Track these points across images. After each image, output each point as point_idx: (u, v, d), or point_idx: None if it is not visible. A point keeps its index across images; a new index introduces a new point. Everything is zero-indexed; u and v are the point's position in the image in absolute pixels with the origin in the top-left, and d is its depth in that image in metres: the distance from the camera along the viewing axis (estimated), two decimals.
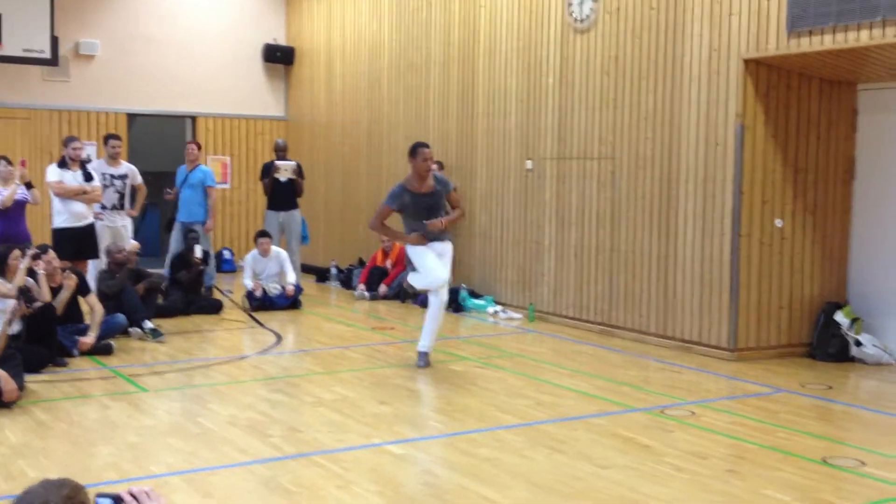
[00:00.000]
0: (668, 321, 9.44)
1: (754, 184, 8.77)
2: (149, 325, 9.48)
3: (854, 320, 8.86)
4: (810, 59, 8.34)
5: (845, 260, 9.34)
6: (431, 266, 8.18)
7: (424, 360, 8.33)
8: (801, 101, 8.97)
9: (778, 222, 8.92)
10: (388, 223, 8.42)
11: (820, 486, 5.27)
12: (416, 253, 8.24)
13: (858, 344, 8.77)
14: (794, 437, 6.27)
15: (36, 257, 8.26)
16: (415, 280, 8.48)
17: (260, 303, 11.43)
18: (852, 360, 8.79)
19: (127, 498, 2.41)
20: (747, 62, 8.61)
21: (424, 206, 8.17)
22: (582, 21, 10.30)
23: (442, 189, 8.28)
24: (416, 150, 8.25)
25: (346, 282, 13.77)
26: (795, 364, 8.72)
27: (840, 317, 8.86)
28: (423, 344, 8.38)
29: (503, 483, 5.27)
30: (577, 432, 6.31)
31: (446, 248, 8.36)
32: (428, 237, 8.20)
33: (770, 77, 8.76)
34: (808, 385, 7.88)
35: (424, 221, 8.12)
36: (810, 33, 7.99)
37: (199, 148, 12.78)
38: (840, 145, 9.20)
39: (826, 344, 8.88)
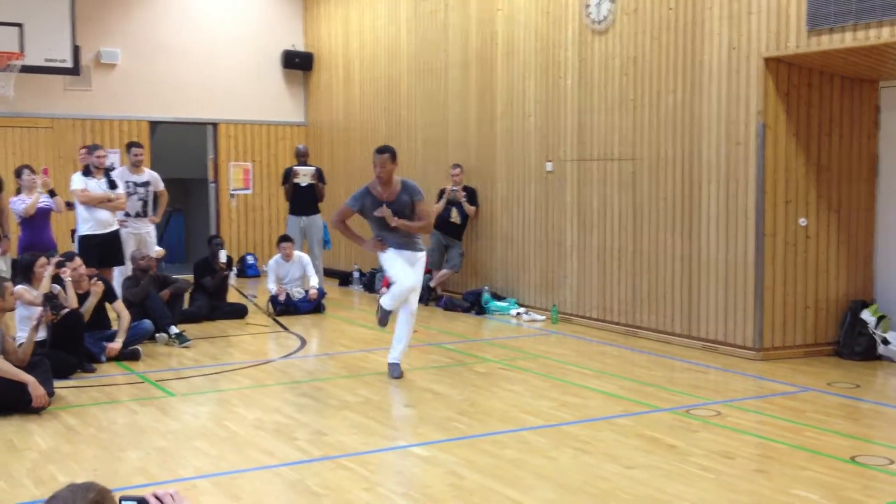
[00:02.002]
0: (692, 321, 9.42)
1: (777, 183, 8.74)
2: (174, 330, 9.55)
3: (881, 318, 8.81)
4: (831, 57, 8.31)
5: (870, 258, 9.29)
6: (399, 272, 7.91)
7: (397, 371, 8.06)
8: (822, 99, 8.93)
9: (802, 221, 8.89)
10: (352, 226, 8.17)
11: (848, 485, 5.25)
12: (386, 259, 8.00)
13: (885, 342, 8.72)
14: (821, 436, 6.25)
15: (60, 265, 8.34)
16: (385, 300, 8.08)
17: (284, 307, 11.49)
18: (879, 358, 8.74)
19: (152, 500, 2.43)
20: (768, 61, 8.58)
21: (374, 211, 7.88)
22: (600, 22, 10.30)
23: (407, 199, 7.94)
24: (374, 154, 7.97)
25: (369, 285, 13.81)
26: (822, 363, 8.68)
27: (866, 315, 8.82)
28: (394, 355, 8.13)
29: (529, 484, 5.28)
30: (603, 433, 6.31)
31: (416, 257, 8.04)
32: (394, 246, 7.94)
33: (791, 75, 8.73)
34: (835, 384, 7.85)
35: (391, 226, 7.84)
36: (831, 31, 7.96)
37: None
38: (863, 143, 9.16)
39: (853, 342, 8.84)
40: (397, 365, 8.11)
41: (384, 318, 8.13)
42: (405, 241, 7.99)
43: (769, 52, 8.53)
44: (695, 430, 6.38)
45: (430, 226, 8.26)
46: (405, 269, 7.95)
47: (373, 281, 13.66)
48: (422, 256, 8.14)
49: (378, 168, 7.89)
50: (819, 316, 9.05)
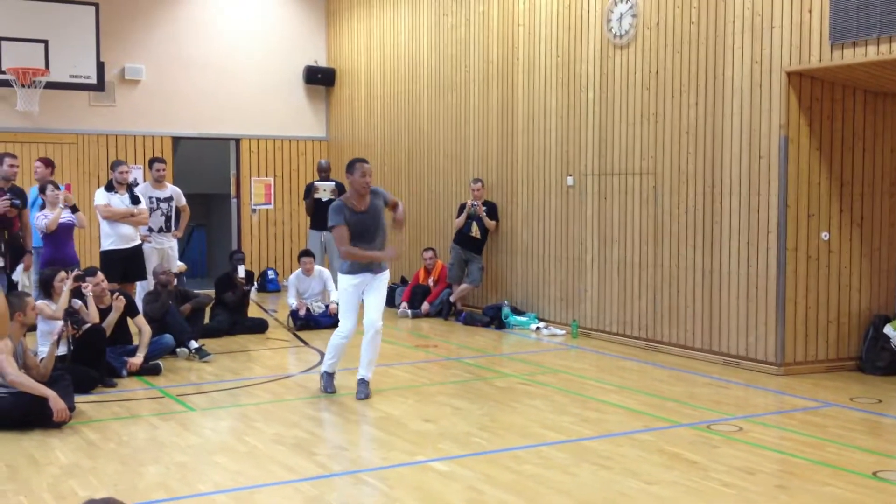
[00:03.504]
0: (713, 336, 9.36)
1: (800, 197, 8.69)
2: (195, 345, 9.57)
3: None
4: (854, 71, 8.26)
5: (893, 272, 9.21)
6: (344, 312, 7.89)
7: (366, 391, 7.89)
8: (845, 113, 8.88)
9: (824, 235, 8.83)
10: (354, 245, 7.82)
11: (870, 501, 5.20)
12: (341, 293, 7.93)
13: None
14: (843, 452, 6.19)
15: (79, 278, 8.39)
16: (325, 362, 8.09)
17: (304, 322, 11.50)
18: None
19: None
20: (790, 74, 8.55)
21: (362, 224, 7.73)
22: (621, 36, 10.29)
23: (380, 203, 7.81)
24: (353, 164, 7.77)
25: (389, 300, 13.76)
26: (844, 378, 8.61)
27: (889, 330, 8.74)
28: (364, 372, 7.98)
29: (549, 500, 5.25)
30: (623, 448, 6.27)
31: (381, 278, 7.89)
32: (363, 266, 7.76)
33: (813, 89, 8.69)
34: (858, 399, 7.78)
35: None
36: (854, 45, 7.92)
37: (49, 165, 11.08)
38: (886, 157, 9.10)
39: (875, 357, 8.76)
40: (366, 382, 7.94)
41: (329, 384, 8.01)
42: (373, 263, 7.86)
43: (792, 66, 8.50)
44: (716, 446, 6.33)
45: (401, 220, 8.06)
46: (352, 311, 7.87)
47: (392, 295, 13.64)
48: (385, 277, 7.96)
49: (368, 177, 7.72)
50: (841, 331, 8.98)
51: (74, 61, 13.65)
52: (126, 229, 10.37)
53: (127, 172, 10.61)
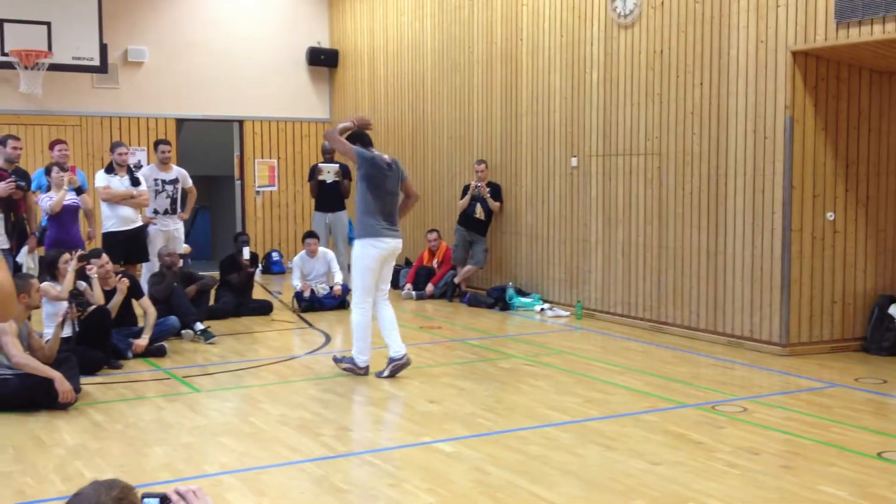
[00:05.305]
0: (718, 317, 9.36)
1: (805, 177, 8.66)
2: (200, 326, 9.59)
3: None
4: (860, 50, 8.22)
5: None
6: (365, 287, 7.85)
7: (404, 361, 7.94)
8: (851, 93, 8.84)
9: (829, 216, 8.80)
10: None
11: (876, 481, 5.20)
12: (361, 260, 7.84)
13: None
14: (848, 432, 6.18)
15: (83, 258, 8.40)
16: (359, 351, 8.01)
17: (308, 303, 11.51)
18: None
19: (174, 497, 2.40)
20: (795, 54, 8.50)
21: (386, 178, 7.86)
22: (626, 16, 10.25)
23: (401, 172, 8.08)
24: None
25: (393, 282, 13.77)
26: (849, 358, 8.60)
27: (894, 310, 8.73)
28: (397, 349, 7.96)
29: (554, 480, 5.26)
30: (628, 429, 6.28)
31: (397, 247, 7.96)
32: (387, 229, 7.82)
33: (819, 69, 8.64)
34: (863, 379, 7.77)
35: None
36: (860, 24, 7.88)
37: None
38: (892, 137, 9.06)
39: (880, 338, 8.76)
40: (399, 358, 7.93)
41: (359, 370, 7.98)
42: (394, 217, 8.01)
43: (797, 45, 8.45)
44: (721, 427, 6.34)
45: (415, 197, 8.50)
46: (373, 286, 7.90)
47: (397, 277, 13.64)
48: (400, 244, 8.03)
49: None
50: (846, 311, 8.97)
51: (77, 43, 13.64)
52: (126, 211, 10.37)
53: (126, 154, 10.59)
